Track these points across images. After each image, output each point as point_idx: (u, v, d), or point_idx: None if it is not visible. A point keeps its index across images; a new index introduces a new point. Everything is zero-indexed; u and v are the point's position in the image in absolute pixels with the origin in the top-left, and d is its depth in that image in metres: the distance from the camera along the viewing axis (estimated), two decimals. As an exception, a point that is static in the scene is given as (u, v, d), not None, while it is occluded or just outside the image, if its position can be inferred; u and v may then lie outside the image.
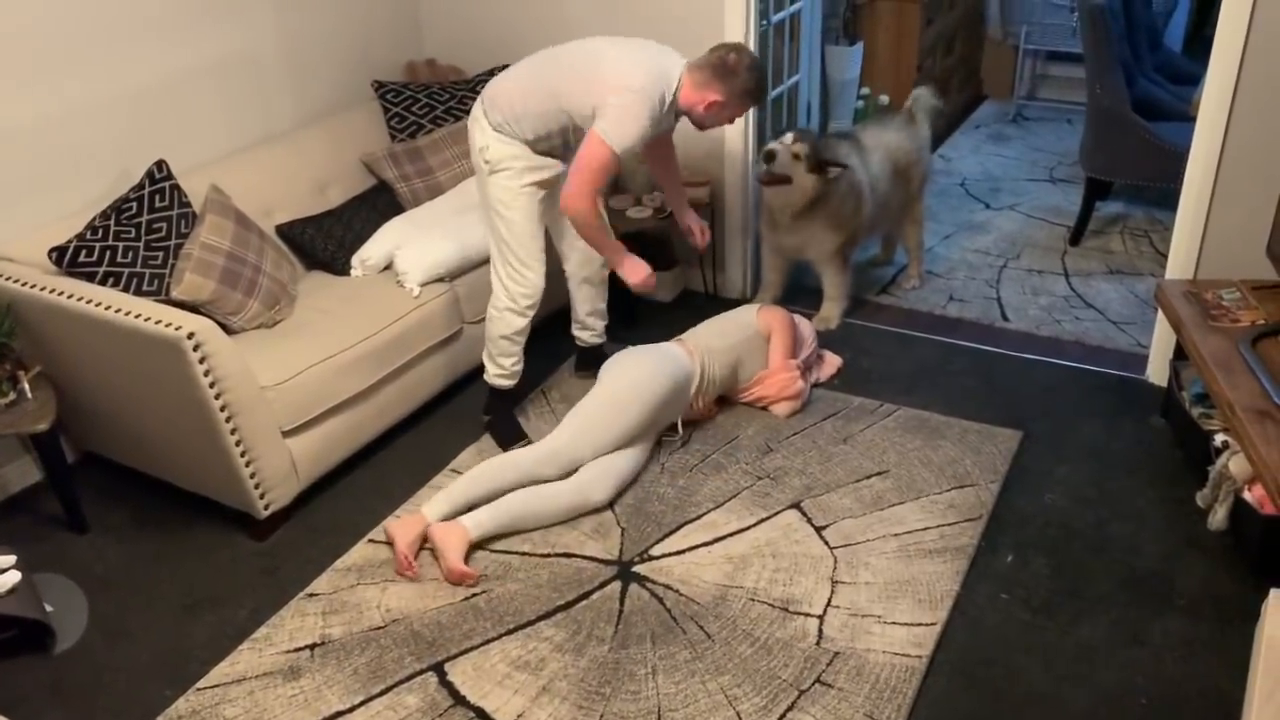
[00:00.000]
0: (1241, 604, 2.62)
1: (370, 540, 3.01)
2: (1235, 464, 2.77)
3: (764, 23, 4.45)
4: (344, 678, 2.56)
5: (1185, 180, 3.26)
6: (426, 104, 4.03)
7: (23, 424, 2.87)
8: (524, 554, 2.93)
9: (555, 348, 3.65)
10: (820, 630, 2.63)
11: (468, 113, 4.00)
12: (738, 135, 3.95)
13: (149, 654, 2.68)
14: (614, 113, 2.88)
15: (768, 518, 3.02)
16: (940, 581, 2.75)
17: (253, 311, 3.20)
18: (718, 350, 3.40)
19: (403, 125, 3.99)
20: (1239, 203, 3.17)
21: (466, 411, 3.55)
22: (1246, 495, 2.73)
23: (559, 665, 2.56)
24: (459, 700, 2.48)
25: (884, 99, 5.66)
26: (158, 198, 3.19)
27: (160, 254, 3.13)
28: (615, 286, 3.61)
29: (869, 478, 3.16)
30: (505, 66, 4.09)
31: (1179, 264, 3.35)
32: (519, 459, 3.05)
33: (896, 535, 2.92)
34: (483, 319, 3.57)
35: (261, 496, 2.97)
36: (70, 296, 2.87)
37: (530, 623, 2.70)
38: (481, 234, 3.52)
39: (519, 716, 2.43)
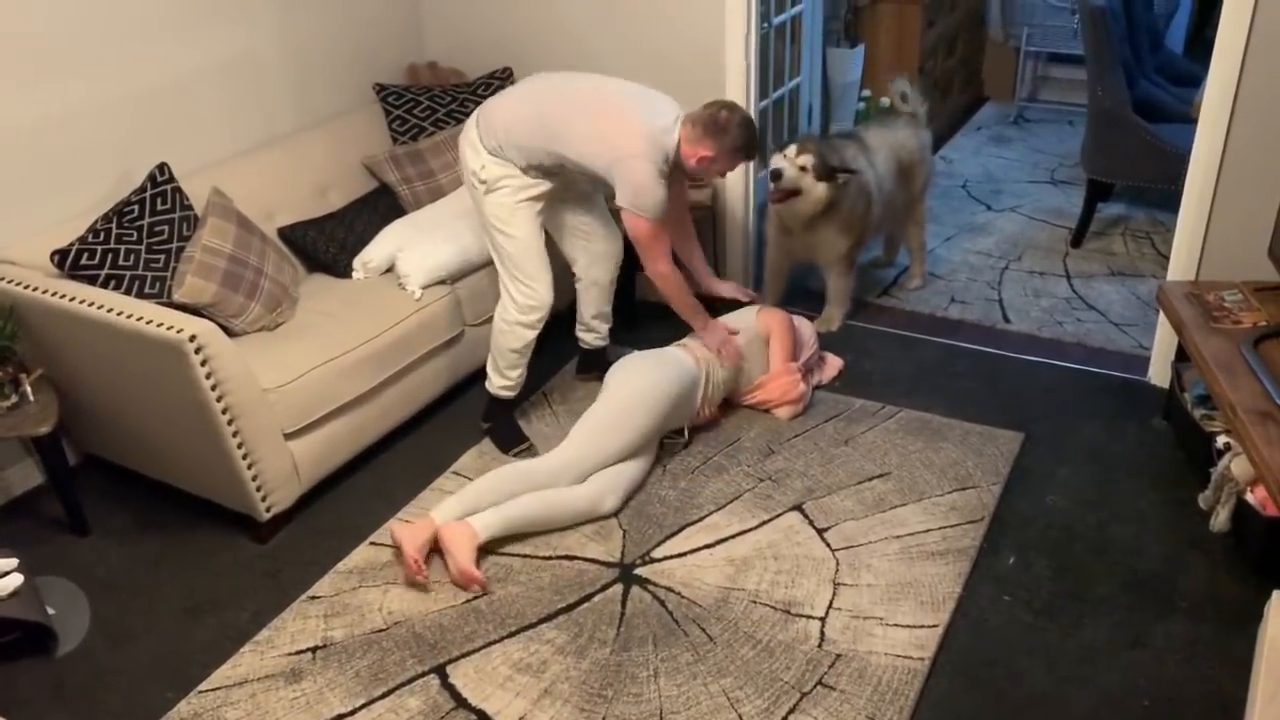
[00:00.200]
0: (1243, 606, 2.61)
1: (372, 543, 3.01)
2: (1237, 466, 2.77)
3: (765, 25, 4.45)
4: (346, 680, 2.56)
5: (1187, 182, 3.26)
6: (428, 107, 4.03)
7: (24, 427, 2.88)
8: (525, 556, 2.93)
9: (557, 348, 3.65)
10: (822, 632, 2.62)
11: (469, 115, 4.02)
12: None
13: (151, 656, 2.68)
14: (629, 184, 2.99)
15: (769, 520, 3.02)
16: (942, 583, 2.75)
17: (254, 314, 3.20)
18: None
19: (404, 128, 4.00)
20: (1241, 204, 3.17)
21: (468, 414, 3.55)
22: (1248, 497, 2.72)
23: (561, 668, 2.56)
24: (461, 703, 2.48)
25: (885, 101, 5.66)
26: (159, 201, 3.20)
27: (162, 257, 3.14)
28: (619, 289, 3.61)
29: (871, 480, 3.16)
30: (506, 69, 4.15)
31: (1181, 265, 3.35)
32: (533, 470, 3.03)
33: (898, 537, 2.92)
34: (484, 321, 3.58)
35: (263, 499, 2.97)
36: (72, 299, 2.88)
37: (532, 625, 2.70)
38: (483, 237, 3.53)
39: (521, 719, 2.43)
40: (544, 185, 3.16)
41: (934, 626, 2.62)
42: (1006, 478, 3.14)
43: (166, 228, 3.18)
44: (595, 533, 3.00)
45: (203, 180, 3.36)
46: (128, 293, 3.02)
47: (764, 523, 3.01)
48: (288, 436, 3.01)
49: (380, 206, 3.81)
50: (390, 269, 3.54)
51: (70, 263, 2.98)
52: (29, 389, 2.94)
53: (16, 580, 2.67)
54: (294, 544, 3.05)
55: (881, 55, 5.73)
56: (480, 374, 3.50)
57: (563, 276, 3.38)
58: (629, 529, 3.02)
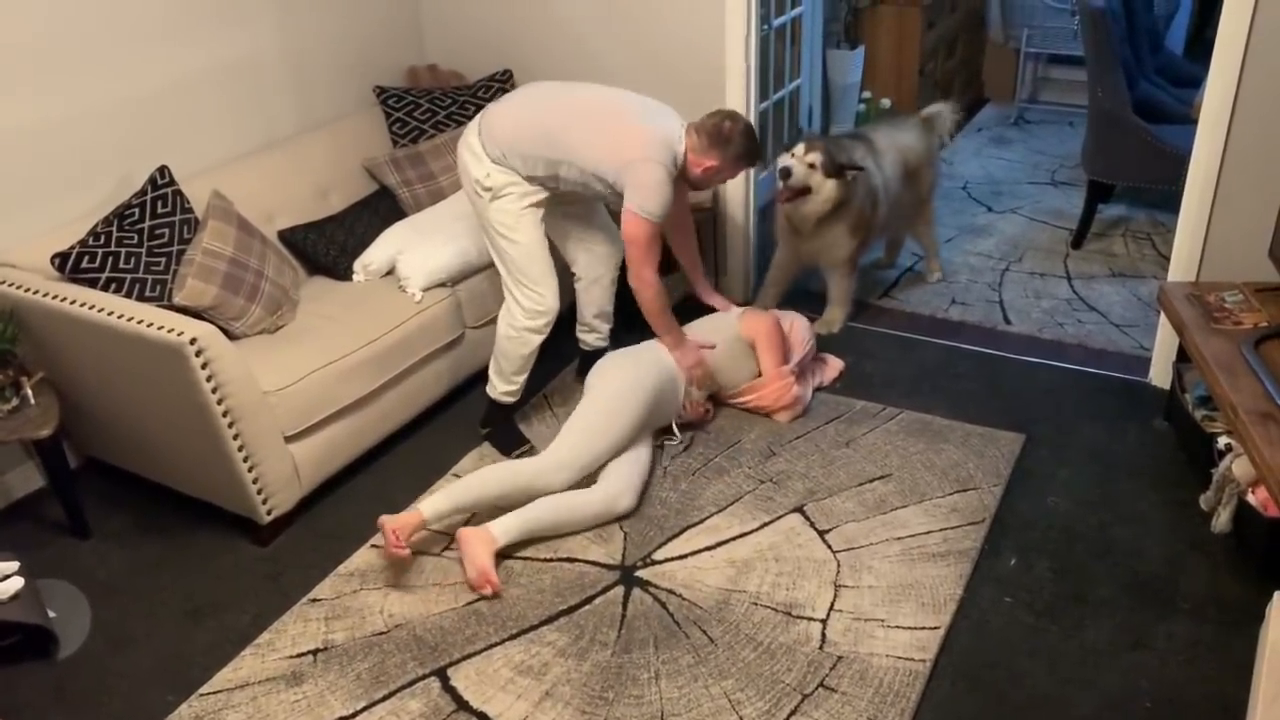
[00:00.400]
0: (1245, 607, 2.61)
1: (373, 545, 3.01)
2: (1238, 466, 2.77)
3: (765, 27, 4.46)
4: (347, 683, 2.56)
5: (1187, 183, 3.26)
6: (428, 109, 4.03)
7: (25, 430, 2.88)
8: (526, 559, 2.92)
9: (558, 350, 3.65)
10: (823, 634, 2.62)
11: (469, 118, 4.02)
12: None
13: (152, 660, 2.68)
14: (640, 185, 2.99)
15: (770, 522, 3.02)
16: (943, 585, 2.75)
17: (255, 317, 3.20)
18: None
19: (404, 130, 4.00)
20: (1241, 205, 3.17)
21: (468, 416, 3.55)
22: (1250, 498, 2.72)
23: (562, 670, 2.56)
24: (462, 705, 2.48)
25: (886, 103, 5.67)
26: (160, 204, 3.20)
27: (162, 260, 3.14)
28: (619, 289, 3.61)
29: (872, 481, 3.16)
30: (506, 71, 4.15)
31: (1181, 266, 3.35)
32: (522, 469, 3.04)
33: (899, 539, 2.92)
34: (484, 324, 3.58)
35: (264, 502, 2.97)
36: (73, 302, 2.88)
37: (533, 627, 2.70)
38: (483, 239, 3.53)
39: (522, 721, 2.43)
40: (546, 193, 3.18)
41: (935, 628, 2.62)
42: (1008, 479, 3.14)
43: (167, 231, 3.18)
44: (596, 535, 3.00)
45: (203, 183, 3.36)
46: (128, 296, 3.02)
47: (765, 524, 3.01)
48: (288, 439, 3.00)
49: (381, 209, 3.81)
50: (391, 271, 3.54)
51: (71, 266, 2.99)
52: (30, 392, 2.94)
53: (17, 583, 2.67)
54: (295, 547, 3.05)
55: (882, 57, 5.74)
56: (480, 376, 3.50)
57: (563, 278, 3.38)
58: (630, 531, 3.01)
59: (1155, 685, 2.46)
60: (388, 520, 2.86)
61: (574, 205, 3.36)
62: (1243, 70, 3.01)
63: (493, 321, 3.44)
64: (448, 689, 2.53)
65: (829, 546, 2.91)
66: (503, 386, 3.36)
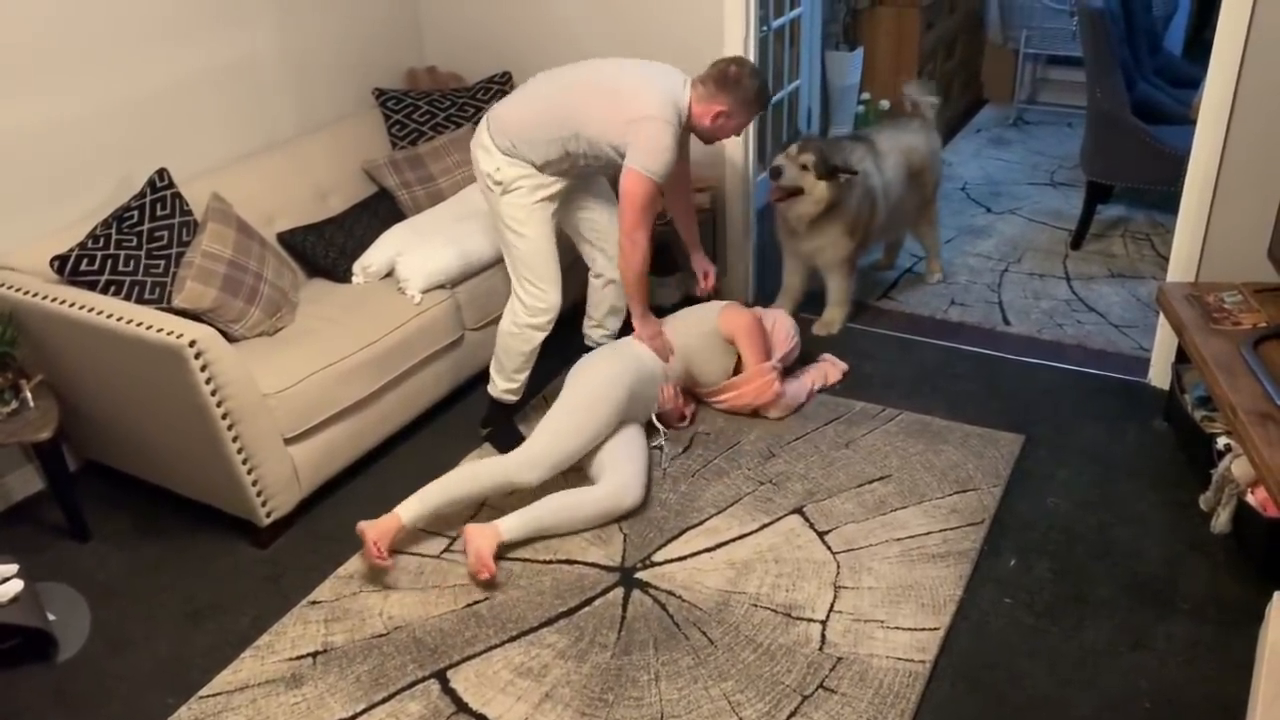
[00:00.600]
0: (1245, 607, 2.61)
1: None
2: (1238, 467, 2.77)
3: (764, 29, 4.46)
4: (346, 685, 2.55)
5: (1186, 183, 3.26)
6: (427, 111, 4.04)
7: (25, 433, 2.88)
8: (526, 560, 2.92)
9: (559, 350, 3.64)
10: (823, 635, 2.62)
11: (468, 120, 4.03)
12: (738, 139, 3.95)
13: (151, 662, 2.68)
14: (642, 144, 2.98)
15: (770, 523, 3.02)
16: (943, 586, 2.75)
17: (254, 319, 3.20)
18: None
19: (404, 132, 4.00)
20: (1240, 205, 3.17)
21: (468, 418, 3.55)
22: (1249, 498, 2.72)
23: (561, 672, 2.56)
24: (461, 707, 2.48)
25: (885, 104, 5.67)
26: (159, 206, 3.20)
27: (162, 262, 3.14)
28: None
29: (871, 482, 3.16)
30: (505, 73, 4.15)
31: (1180, 267, 3.35)
32: (493, 468, 3.04)
33: (899, 540, 2.92)
34: (484, 326, 3.59)
35: (263, 504, 2.97)
36: (72, 305, 2.88)
37: (533, 629, 2.70)
38: (483, 241, 3.53)
39: (522, 723, 2.43)
40: (559, 184, 3.18)
41: (935, 629, 2.62)
42: (1007, 480, 3.14)
43: (166, 233, 3.18)
44: (595, 536, 3.00)
45: (202, 185, 3.36)
46: (127, 298, 3.02)
47: (764, 526, 3.01)
48: (288, 441, 3.00)
49: (380, 211, 3.81)
50: (390, 273, 3.54)
51: (70, 268, 2.99)
52: (29, 395, 2.94)
53: (17, 586, 2.67)
54: (294, 549, 3.05)
55: (880, 58, 5.74)
56: (480, 378, 3.50)
57: (567, 275, 3.39)
58: (629, 533, 3.01)
59: (1155, 686, 2.46)
60: (367, 528, 2.87)
61: (591, 205, 3.37)
62: (1241, 71, 3.01)
63: (492, 323, 3.46)
64: (447, 691, 2.53)
65: (828, 548, 2.91)
66: (503, 384, 3.36)
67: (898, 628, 2.63)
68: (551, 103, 3.10)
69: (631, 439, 3.18)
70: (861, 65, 5.68)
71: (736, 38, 3.77)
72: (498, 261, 3.59)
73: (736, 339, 3.47)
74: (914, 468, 3.21)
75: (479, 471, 3.03)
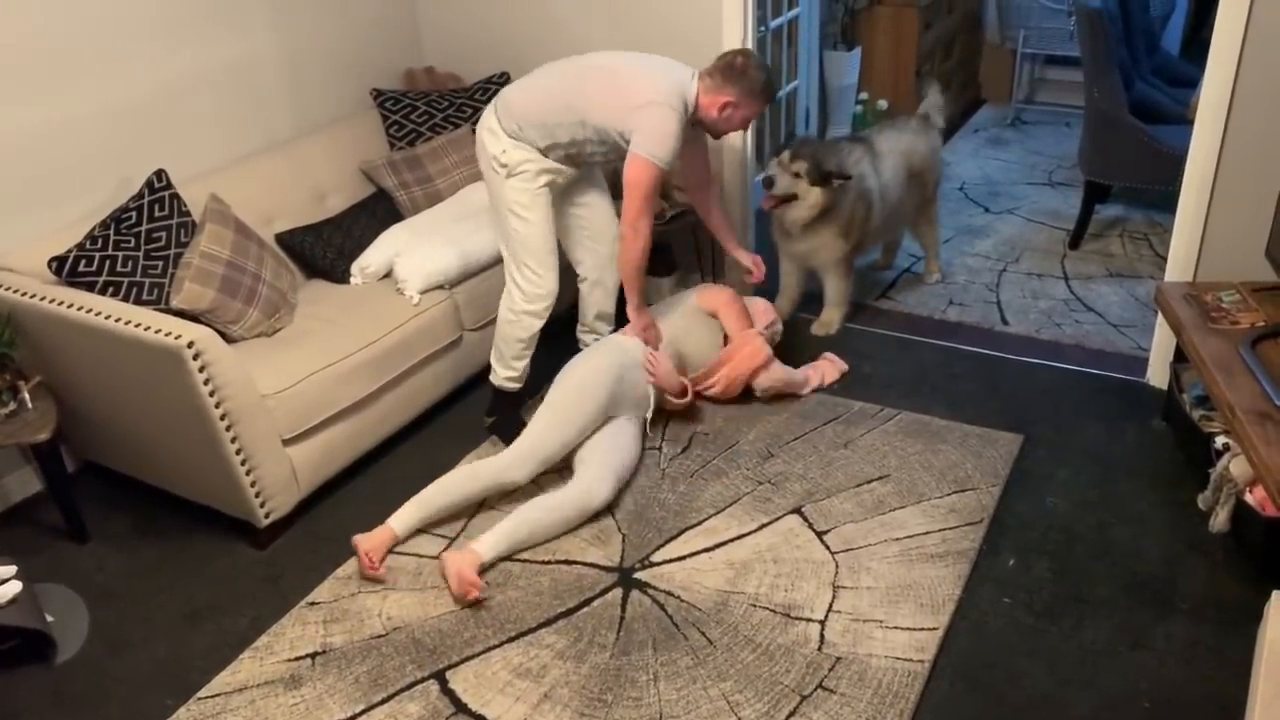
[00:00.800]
0: (1244, 606, 2.61)
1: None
2: (1236, 466, 2.77)
3: (762, 29, 4.47)
4: (345, 686, 2.55)
5: (1184, 183, 3.26)
6: (425, 112, 4.03)
7: (23, 434, 2.87)
8: (524, 561, 2.92)
9: (560, 348, 3.65)
10: (822, 635, 2.62)
11: (467, 120, 4.03)
12: (737, 137, 3.95)
13: (150, 663, 2.68)
14: (648, 129, 3.00)
15: (769, 523, 3.02)
16: (942, 586, 2.75)
17: (252, 320, 3.20)
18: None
19: (402, 133, 4.00)
20: (1238, 205, 3.17)
21: (466, 419, 3.55)
22: (1248, 497, 2.72)
23: (560, 672, 2.56)
24: (460, 708, 2.48)
25: (883, 104, 5.67)
26: (157, 207, 3.20)
27: (160, 263, 3.14)
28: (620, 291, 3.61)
29: (870, 482, 3.16)
30: (504, 74, 4.15)
31: (1178, 266, 3.35)
32: (483, 469, 3.05)
33: (898, 540, 2.92)
34: (482, 326, 3.59)
35: (262, 505, 2.97)
36: (70, 306, 2.88)
37: (531, 630, 2.69)
38: (481, 241, 3.54)
39: (521, 724, 2.43)
40: (563, 172, 3.20)
41: (934, 629, 2.62)
42: (1006, 480, 3.14)
43: (164, 234, 3.18)
44: (594, 537, 3.00)
45: (200, 186, 3.36)
46: (126, 299, 3.02)
47: (763, 526, 3.01)
48: (286, 442, 3.00)
49: (378, 212, 3.81)
50: (388, 274, 3.54)
51: (68, 269, 2.98)
52: (27, 396, 2.94)
53: (15, 588, 2.66)
54: (293, 550, 3.05)
55: (878, 58, 5.75)
56: (478, 378, 3.50)
57: (566, 279, 3.39)
58: (628, 533, 3.01)
59: (1154, 685, 2.46)
60: (361, 541, 2.88)
61: (583, 204, 3.39)
62: (1239, 70, 3.01)
63: (491, 323, 3.46)
64: (446, 692, 2.52)
65: (827, 548, 2.91)
66: (504, 372, 3.38)
67: (896, 627, 2.63)
68: (560, 88, 3.13)
69: (614, 434, 3.18)
70: (859, 65, 5.68)
71: (735, 38, 3.77)
72: (496, 262, 3.59)
73: (718, 311, 3.53)
74: (913, 467, 3.21)
75: (472, 472, 3.04)
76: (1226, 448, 2.87)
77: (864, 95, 5.73)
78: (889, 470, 3.21)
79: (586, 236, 3.43)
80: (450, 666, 2.59)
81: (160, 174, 3.25)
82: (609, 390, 3.17)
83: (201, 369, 2.74)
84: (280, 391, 2.96)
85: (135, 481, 3.25)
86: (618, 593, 2.81)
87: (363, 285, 3.55)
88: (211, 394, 2.77)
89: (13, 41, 3.02)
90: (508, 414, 3.44)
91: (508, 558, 2.91)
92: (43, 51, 3.10)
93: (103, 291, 3.00)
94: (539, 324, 3.32)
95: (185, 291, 3.07)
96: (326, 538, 3.07)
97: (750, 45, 3.82)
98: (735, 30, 3.77)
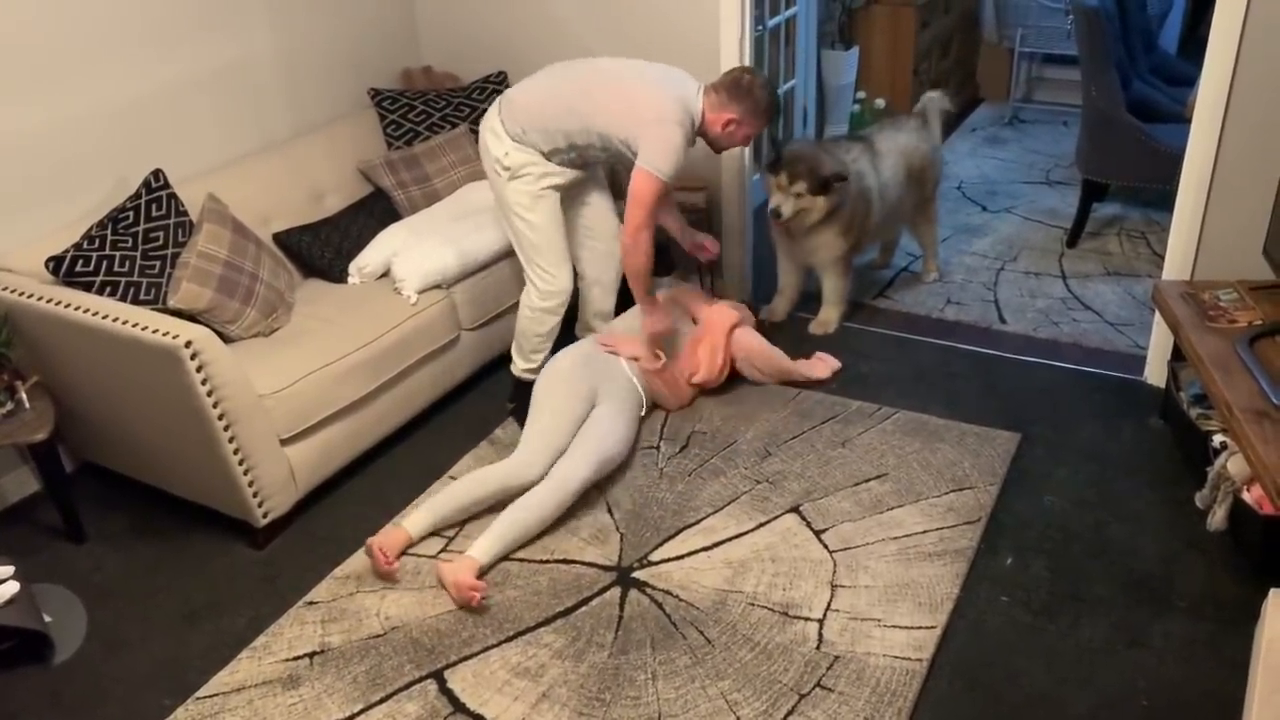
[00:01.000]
0: (1241, 604, 2.61)
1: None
2: (1234, 464, 2.77)
3: (760, 28, 4.46)
4: (343, 686, 2.55)
5: (1181, 181, 3.26)
6: (423, 111, 4.03)
7: (20, 434, 2.87)
8: (523, 560, 2.92)
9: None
10: (820, 634, 2.62)
11: (464, 120, 4.03)
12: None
13: (148, 663, 2.68)
14: (656, 145, 3.02)
15: (767, 522, 3.02)
16: (940, 584, 2.75)
17: (250, 320, 3.20)
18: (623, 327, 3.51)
19: (399, 133, 4.00)
20: (1235, 203, 3.17)
21: (465, 418, 3.55)
22: (1245, 496, 2.72)
23: (559, 671, 2.56)
24: (459, 708, 2.48)
25: (880, 103, 5.67)
26: (154, 207, 3.20)
27: (157, 263, 3.13)
28: (620, 289, 3.61)
29: (868, 481, 3.16)
30: (501, 73, 4.15)
31: (1176, 265, 3.35)
32: (494, 473, 3.05)
33: (896, 538, 2.92)
34: (480, 325, 3.60)
35: (260, 505, 2.97)
36: (67, 306, 2.87)
37: (530, 629, 2.69)
38: (479, 240, 3.54)
39: (519, 723, 2.43)
40: (566, 174, 3.21)
41: (932, 627, 2.62)
42: (1004, 478, 3.14)
43: (162, 234, 3.18)
44: (593, 536, 3.00)
45: (198, 186, 3.36)
46: (123, 299, 3.01)
47: (761, 525, 3.01)
48: (284, 442, 3.00)
49: (376, 211, 3.81)
50: (386, 274, 3.54)
51: (66, 269, 2.98)
52: (24, 396, 2.94)
53: (13, 588, 2.66)
54: (291, 550, 3.05)
55: (876, 57, 5.75)
56: (477, 378, 3.50)
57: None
58: (626, 532, 3.01)
59: (1152, 683, 2.46)
60: (375, 542, 2.88)
61: (583, 203, 3.40)
62: (1236, 68, 3.01)
63: (489, 323, 3.49)
64: (445, 691, 2.52)
65: (825, 546, 2.91)
66: (523, 364, 3.45)
67: (895, 626, 2.63)
68: (566, 93, 3.14)
69: (594, 422, 3.17)
70: (857, 64, 5.68)
71: (732, 37, 3.77)
72: (494, 261, 3.60)
73: (677, 297, 3.63)
74: (910, 466, 3.21)
75: (484, 476, 3.04)
76: (1224, 446, 2.87)
77: (861, 94, 5.73)
78: (887, 469, 3.21)
79: (586, 235, 3.45)
80: (448, 666, 2.59)
81: (158, 174, 3.25)
82: (581, 375, 3.25)
83: (199, 369, 2.73)
84: (278, 391, 2.96)
85: (133, 481, 3.25)
86: (616, 592, 2.81)
87: (360, 285, 3.54)
88: (209, 394, 2.77)
89: (10, 41, 3.02)
90: (528, 401, 3.44)
91: (505, 558, 2.91)
92: (40, 51, 3.10)
93: (100, 291, 3.00)
94: (555, 320, 3.37)
95: (183, 291, 3.07)
96: (324, 537, 3.07)
97: (748, 44, 3.83)
98: (733, 29, 3.76)
